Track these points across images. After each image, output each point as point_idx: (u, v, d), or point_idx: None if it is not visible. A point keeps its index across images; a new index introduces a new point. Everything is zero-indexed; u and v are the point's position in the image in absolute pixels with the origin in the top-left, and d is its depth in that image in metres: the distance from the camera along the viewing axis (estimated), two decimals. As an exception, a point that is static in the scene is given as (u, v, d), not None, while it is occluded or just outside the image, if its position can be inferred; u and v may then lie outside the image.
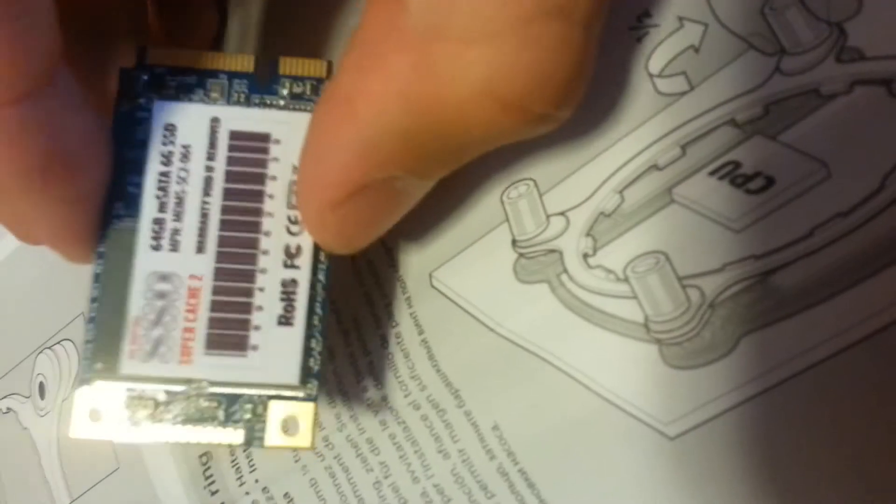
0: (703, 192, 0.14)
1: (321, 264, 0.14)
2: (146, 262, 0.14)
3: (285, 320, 0.14)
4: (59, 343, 0.22)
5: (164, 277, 0.14)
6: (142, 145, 0.14)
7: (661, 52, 0.15)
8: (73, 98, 0.13)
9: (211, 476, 0.18)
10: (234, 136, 0.14)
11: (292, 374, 0.14)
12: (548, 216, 0.15)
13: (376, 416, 0.16)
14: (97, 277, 0.14)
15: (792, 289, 0.13)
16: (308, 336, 0.14)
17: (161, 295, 0.14)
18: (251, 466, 0.18)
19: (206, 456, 0.18)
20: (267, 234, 0.14)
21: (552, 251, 0.15)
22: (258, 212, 0.14)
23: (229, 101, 0.15)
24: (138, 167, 0.14)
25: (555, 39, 0.11)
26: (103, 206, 0.14)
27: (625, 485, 0.14)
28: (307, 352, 0.14)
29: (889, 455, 0.12)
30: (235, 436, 0.14)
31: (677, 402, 0.14)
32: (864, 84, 0.13)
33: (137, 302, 0.14)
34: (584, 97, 0.12)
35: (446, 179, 0.14)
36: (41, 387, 0.22)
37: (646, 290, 0.14)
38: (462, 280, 0.16)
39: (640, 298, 0.14)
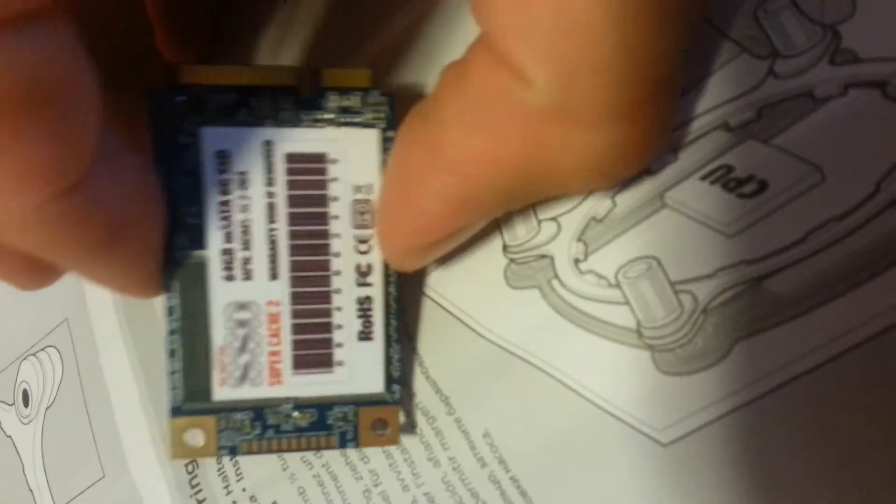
0: (696, 196, 0.14)
1: (391, 278, 0.15)
2: (222, 292, 0.14)
3: (365, 335, 0.15)
4: (42, 350, 0.21)
5: (242, 306, 0.14)
6: (192, 173, 0.14)
7: (652, 54, 0.14)
8: (118, 157, 0.13)
9: (198, 485, 0.18)
10: (291, 158, 0.14)
11: (377, 383, 0.15)
12: (539, 221, 0.15)
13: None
14: (171, 311, 0.14)
15: (785, 294, 0.13)
16: (387, 346, 0.15)
17: (242, 323, 0.14)
18: (238, 475, 0.17)
19: (192, 464, 0.18)
20: (337, 254, 0.14)
21: (543, 256, 0.15)
22: (326, 234, 0.14)
23: (278, 119, 0.14)
24: (194, 196, 0.14)
25: (658, 114, 0.11)
26: (168, 241, 0.14)
27: (617, 492, 0.14)
28: (388, 361, 0.15)
29: (884, 461, 0.12)
30: (329, 441, 0.15)
31: (670, 409, 0.13)
32: (858, 87, 0.13)
33: (220, 332, 0.14)
34: None
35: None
36: (25, 394, 0.21)
37: (638, 295, 0.14)
38: (453, 286, 0.16)
39: (632, 304, 0.14)
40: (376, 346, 0.15)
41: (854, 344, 0.12)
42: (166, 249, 0.14)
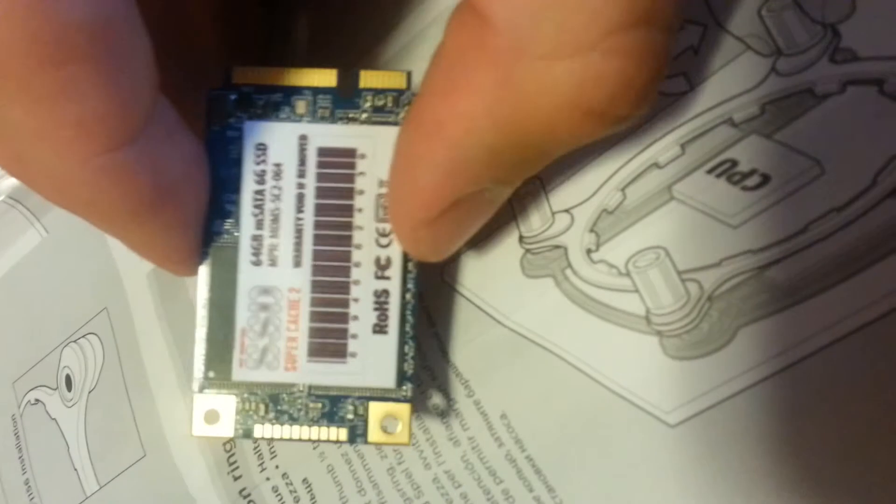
0: (702, 189, 0.14)
1: (410, 273, 0.15)
2: (248, 276, 0.15)
3: (380, 328, 0.15)
4: (83, 337, 0.22)
5: (265, 291, 0.15)
6: (235, 163, 0.15)
7: (660, 53, 0.15)
8: (172, 127, 0.13)
9: (235, 462, 0.19)
10: (322, 152, 0.15)
11: (389, 378, 0.15)
12: (553, 213, 0.16)
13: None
14: (201, 291, 0.15)
15: (787, 282, 0.13)
16: (401, 342, 0.15)
17: (264, 307, 0.15)
18: (272, 453, 0.18)
19: (230, 444, 0.19)
20: (358, 246, 0.15)
21: (557, 247, 0.16)
22: (349, 226, 0.15)
23: (315, 117, 0.15)
24: (233, 185, 0.15)
25: (638, 47, 0.11)
26: (205, 223, 0.15)
27: (628, 470, 0.15)
28: (401, 357, 0.15)
29: (884, 438, 0.13)
30: (339, 433, 0.15)
31: (677, 392, 0.14)
32: (856, 84, 0.13)
33: (243, 314, 0.15)
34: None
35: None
36: (68, 379, 0.22)
37: (647, 283, 0.15)
38: (472, 275, 0.17)
39: (642, 292, 0.15)
40: (390, 341, 0.15)
41: (853, 329, 0.13)
42: (204, 231, 0.15)
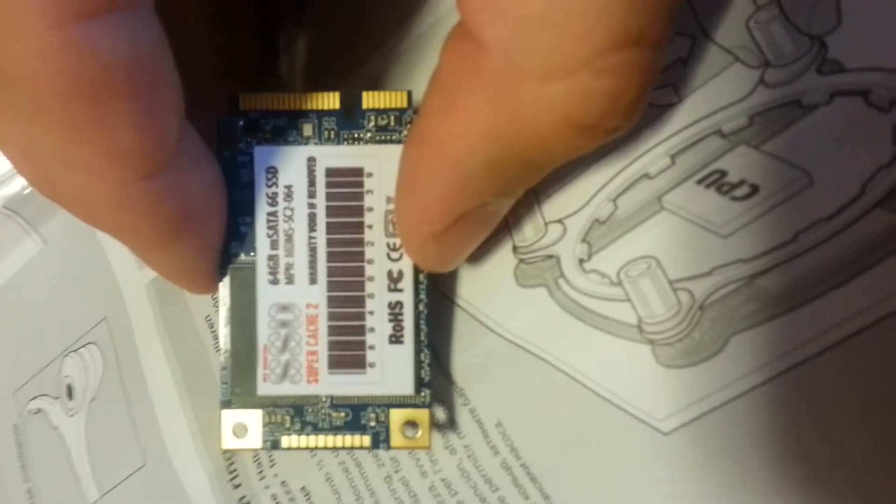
0: (692, 199, 0.14)
1: (421, 285, 0.15)
2: (266, 295, 0.16)
3: (396, 338, 0.15)
4: (84, 346, 0.23)
5: (284, 308, 0.16)
6: (247, 187, 0.16)
7: (650, 65, 0.15)
8: (197, 154, 0.14)
9: (234, 471, 0.19)
10: (330, 172, 0.15)
11: (407, 385, 0.15)
12: (546, 223, 0.16)
13: (387, 414, 0.17)
14: (223, 311, 0.16)
15: (778, 290, 0.14)
16: (417, 350, 0.15)
17: (284, 324, 0.15)
18: (271, 461, 0.19)
19: (230, 452, 0.19)
20: (370, 261, 0.15)
21: (550, 257, 0.16)
22: (360, 242, 0.15)
23: (321, 139, 0.16)
24: (246, 208, 0.16)
25: (628, 65, 0.11)
26: (224, 245, 0.16)
27: (622, 478, 0.15)
28: (418, 365, 0.15)
29: (876, 445, 0.13)
30: (363, 440, 0.16)
31: (671, 400, 0.14)
32: (843, 95, 0.13)
33: (264, 331, 0.16)
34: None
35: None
36: (69, 388, 0.23)
37: (638, 293, 0.15)
38: (466, 285, 0.17)
39: (633, 301, 0.15)
40: (406, 350, 0.15)
41: (844, 337, 0.13)
42: (222, 254, 0.16)
